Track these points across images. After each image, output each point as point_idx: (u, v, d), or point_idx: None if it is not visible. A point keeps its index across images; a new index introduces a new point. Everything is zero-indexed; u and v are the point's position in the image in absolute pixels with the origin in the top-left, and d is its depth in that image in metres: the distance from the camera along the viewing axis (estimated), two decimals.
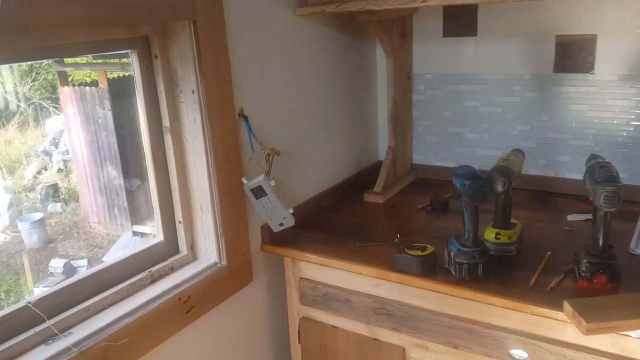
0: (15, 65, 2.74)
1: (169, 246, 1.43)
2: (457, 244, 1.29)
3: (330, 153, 1.86)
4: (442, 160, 2.04)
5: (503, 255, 1.37)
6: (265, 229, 1.55)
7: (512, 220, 1.44)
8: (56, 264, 3.54)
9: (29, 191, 3.41)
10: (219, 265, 1.43)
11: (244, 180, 1.41)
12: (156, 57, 1.31)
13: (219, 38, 1.32)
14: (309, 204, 1.74)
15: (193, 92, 1.31)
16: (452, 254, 1.30)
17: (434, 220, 1.67)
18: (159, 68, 1.31)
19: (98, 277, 1.26)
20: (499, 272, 1.31)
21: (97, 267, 1.27)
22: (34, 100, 2.97)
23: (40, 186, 3.37)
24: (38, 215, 3.29)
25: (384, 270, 1.36)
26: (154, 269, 1.35)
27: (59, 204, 3.50)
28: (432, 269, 1.32)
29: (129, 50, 1.29)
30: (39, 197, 3.37)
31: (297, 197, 1.70)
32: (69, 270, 3.60)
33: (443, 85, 1.97)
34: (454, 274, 1.29)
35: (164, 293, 1.29)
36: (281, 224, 1.49)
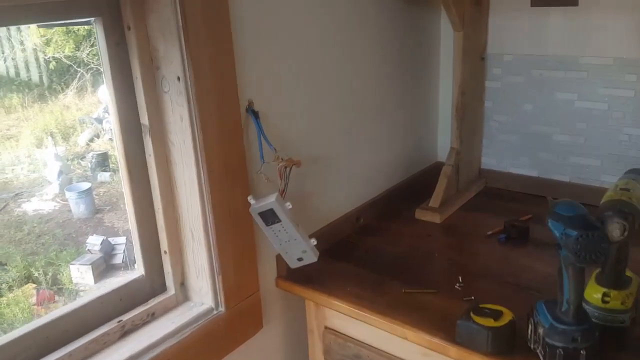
0: (74, 28, 2.67)
1: (152, 283, 1.08)
2: (548, 316, 0.88)
3: (373, 156, 1.46)
4: (519, 166, 1.59)
5: (612, 327, 0.95)
6: (282, 258, 1.17)
7: (627, 273, 1.00)
8: (94, 241, 3.40)
9: (81, 159, 3.38)
10: (215, 312, 1.06)
11: (251, 200, 1.03)
12: (129, 28, 0.93)
13: (216, 1, 0.93)
14: (342, 223, 1.35)
15: (178, 79, 0.93)
16: (540, 330, 0.88)
17: (509, 254, 1.25)
18: (133, 44, 0.94)
19: (47, 331, 0.92)
20: (607, 357, 0.89)
21: (46, 318, 0.94)
22: (92, 66, 2.91)
23: (90, 154, 3.33)
24: (86, 185, 3.24)
25: (440, 340, 0.96)
26: (126, 317, 1.00)
27: (107, 174, 3.42)
28: (508, 346, 0.91)
29: (92, 19, 0.92)
30: (89, 166, 3.36)
31: (325, 215, 1.31)
32: (107, 247, 3.42)
33: (526, 69, 1.51)
34: (541, 358, 0.88)
35: (134, 356, 0.94)
36: (300, 259, 1.11)
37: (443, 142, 1.74)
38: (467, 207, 1.51)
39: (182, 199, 1.03)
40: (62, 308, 0.95)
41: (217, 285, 1.05)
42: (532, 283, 1.11)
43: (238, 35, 0.99)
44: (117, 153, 0.99)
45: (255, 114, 1.05)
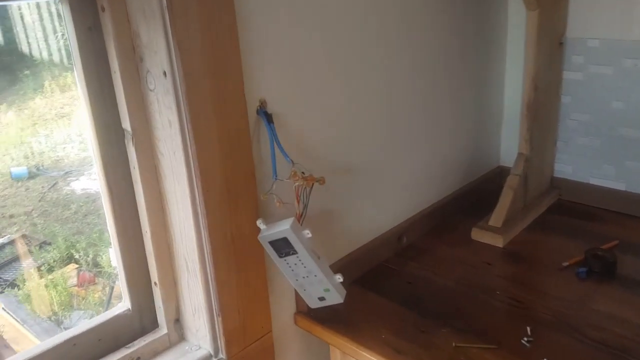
0: None
1: (141, 319, 0.89)
2: None
3: (422, 162, 1.21)
4: (601, 177, 1.30)
5: None
6: None
7: None
8: None
9: None
10: (214, 359, 0.86)
11: (260, 225, 0.82)
12: (103, 9, 0.73)
13: None
14: (380, 245, 1.12)
15: (164, 73, 0.72)
16: None
17: (592, 296, 0.98)
18: (109, 29, 0.73)
19: None
20: None
21: None
22: None
23: None
24: None
25: None
26: None
27: None
28: None
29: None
30: None
31: (358, 235, 1.08)
32: None
33: (616, 58, 1.21)
34: None
35: None
36: (322, 299, 0.89)
37: (508, 145, 1.47)
38: (537, 226, 1.24)
39: (174, 222, 0.83)
40: (23, 353, 0.78)
41: (217, 328, 0.85)
42: (624, 341, 0.85)
43: (245, 14, 0.77)
44: (95, 164, 0.80)
45: (269, 117, 0.82)
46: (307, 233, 0.81)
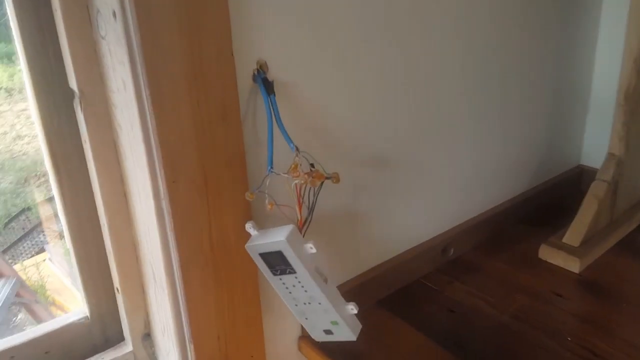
0: None
1: (103, 330, 0.71)
2: None
3: (476, 157, 0.96)
4: None
5: None
6: None
7: None
8: None
9: None
10: None
11: (251, 230, 0.61)
12: None
13: None
14: (419, 256, 0.89)
15: (114, 14, 0.52)
16: None
17: None
18: None
19: None
20: None
21: None
22: None
23: None
24: None
25: None
26: None
27: None
28: None
29: None
30: None
31: (390, 245, 0.86)
32: None
33: None
34: None
35: None
36: (328, 332, 0.67)
37: (593, 141, 1.19)
38: (625, 248, 0.97)
39: (139, 216, 0.63)
40: None
41: (189, 357, 0.65)
42: None
43: None
44: (39, 137, 0.61)
45: (269, 86, 0.61)
46: (310, 247, 0.59)
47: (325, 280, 0.61)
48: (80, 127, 0.60)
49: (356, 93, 0.72)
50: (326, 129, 0.70)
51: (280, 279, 0.62)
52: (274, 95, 0.61)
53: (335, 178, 0.61)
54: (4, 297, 0.99)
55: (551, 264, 0.93)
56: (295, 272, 0.59)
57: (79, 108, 0.59)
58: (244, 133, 0.61)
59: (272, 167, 0.60)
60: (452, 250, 0.94)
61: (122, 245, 0.66)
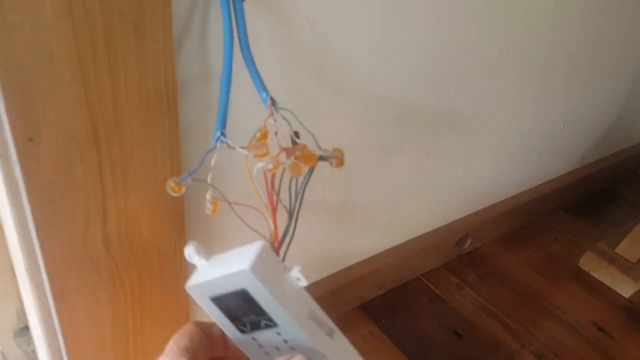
0: None
1: None
2: None
3: (520, 119, 0.70)
4: None
5: None
6: None
7: None
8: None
9: None
10: None
11: (193, 256, 0.33)
12: None
13: None
14: (425, 248, 0.66)
15: None
16: None
17: None
18: None
19: None
20: None
21: None
22: None
23: None
24: None
25: None
26: None
27: None
28: None
29: None
30: None
31: (396, 230, 0.62)
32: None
33: None
34: None
35: None
36: None
37: None
38: None
39: None
40: None
41: None
42: None
43: None
44: None
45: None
46: (297, 278, 0.31)
47: (330, 333, 0.34)
48: None
49: (382, 19, 0.44)
50: (324, 70, 0.43)
51: (254, 339, 0.34)
52: (242, 15, 0.34)
53: (337, 159, 0.34)
54: None
55: (595, 279, 0.70)
56: (275, 325, 0.32)
57: None
58: (178, 63, 0.34)
59: (223, 133, 0.34)
60: (469, 242, 0.71)
61: None
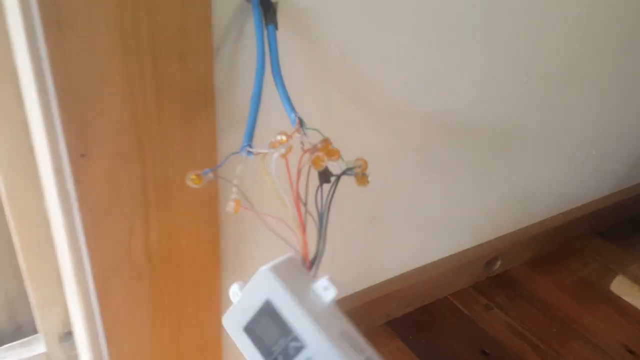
0: None
1: (11, 317, 0.52)
2: None
3: (564, 136, 0.71)
4: None
5: None
6: None
7: None
8: None
9: None
10: None
11: (237, 294, 0.32)
12: None
13: None
14: (454, 268, 0.67)
15: None
16: None
17: None
18: None
19: None
20: None
21: None
22: None
23: None
24: None
25: None
26: None
27: None
28: None
29: None
30: None
31: (416, 252, 0.63)
32: None
33: None
34: None
35: None
36: None
37: None
38: None
39: (47, 190, 0.42)
40: None
41: None
42: None
43: None
44: None
45: (268, 8, 0.37)
46: (325, 287, 0.30)
47: (364, 353, 0.30)
48: None
49: (413, 34, 0.47)
50: (354, 87, 0.46)
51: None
52: (275, 26, 0.37)
53: (360, 168, 0.34)
54: None
55: (626, 302, 0.70)
56: (303, 346, 0.29)
57: None
58: (216, 84, 0.37)
59: (250, 145, 0.36)
60: (498, 263, 0.71)
61: (26, 219, 0.45)
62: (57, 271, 0.48)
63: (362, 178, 0.33)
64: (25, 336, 0.54)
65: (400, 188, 0.55)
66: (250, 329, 0.31)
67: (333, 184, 0.33)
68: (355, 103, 0.46)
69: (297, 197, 0.35)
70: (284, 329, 0.30)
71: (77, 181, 0.35)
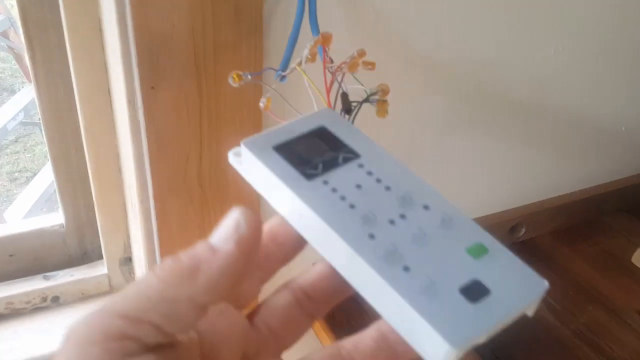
0: None
1: (80, 244, 0.60)
2: None
3: (577, 126, 0.74)
4: None
5: None
6: None
7: None
8: None
9: None
10: None
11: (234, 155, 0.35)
12: None
13: None
14: None
15: None
16: None
17: None
18: None
19: None
20: None
21: None
22: None
23: None
24: None
25: None
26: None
27: None
28: None
29: None
30: None
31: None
32: None
33: None
34: None
35: None
36: (473, 291, 0.21)
37: None
38: None
39: (119, 122, 0.49)
40: None
41: None
42: None
43: None
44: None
45: None
46: None
47: None
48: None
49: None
50: (390, 40, 0.51)
51: (325, 182, 0.25)
52: None
53: (382, 92, 0.38)
54: None
55: None
56: (357, 156, 0.26)
57: None
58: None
59: (284, 70, 0.41)
60: (523, 230, 0.75)
61: (100, 152, 0.52)
62: (123, 201, 0.56)
63: (382, 105, 0.38)
64: (91, 261, 0.62)
65: (428, 146, 0.60)
66: (283, 148, 0.26)
67: (356, 109, 0.39)
68: (391, 51, 0.51)
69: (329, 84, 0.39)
70: (334, 144, 0.26)
71: (147, 110, 0.42)
